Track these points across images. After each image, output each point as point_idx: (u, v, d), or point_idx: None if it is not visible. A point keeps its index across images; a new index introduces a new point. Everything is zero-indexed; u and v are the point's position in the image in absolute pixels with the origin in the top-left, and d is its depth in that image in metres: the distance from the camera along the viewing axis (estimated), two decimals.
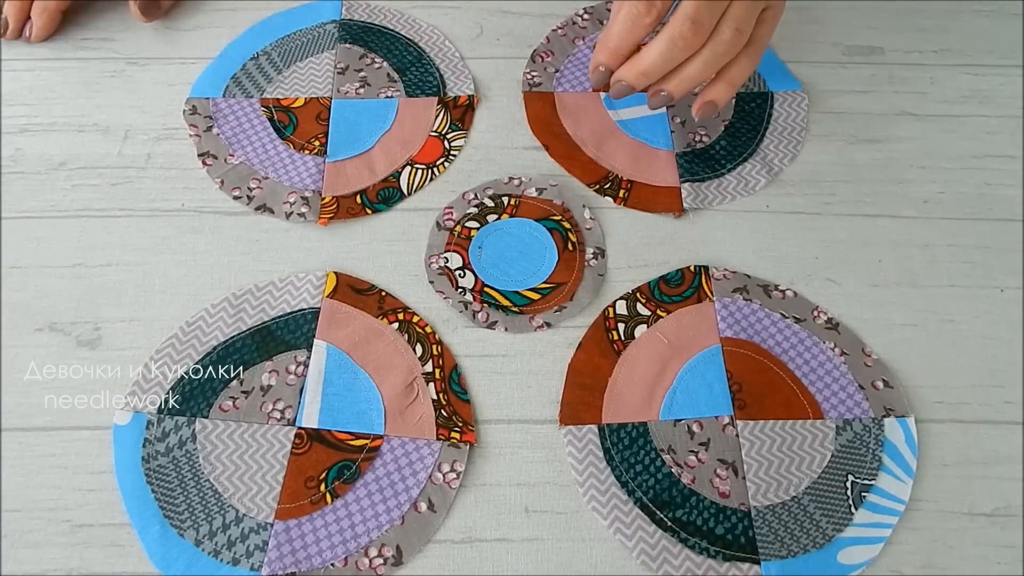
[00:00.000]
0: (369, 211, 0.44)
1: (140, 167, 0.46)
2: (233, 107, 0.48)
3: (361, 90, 0.49)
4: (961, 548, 0.36)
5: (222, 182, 0.45)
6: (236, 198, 0.44)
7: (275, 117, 0.47)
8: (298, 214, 0.44)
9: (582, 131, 0.48)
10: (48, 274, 0.42)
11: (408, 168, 0.46)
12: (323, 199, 0.44)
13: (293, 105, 0.48)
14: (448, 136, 0.48)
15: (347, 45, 0.51)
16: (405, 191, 0.45)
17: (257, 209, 0.44)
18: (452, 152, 0.47)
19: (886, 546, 0.35)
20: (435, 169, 0.46)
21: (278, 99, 0.48)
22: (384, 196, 0.45)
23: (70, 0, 0.51)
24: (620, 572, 0.35)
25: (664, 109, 0.49)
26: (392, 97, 0.49)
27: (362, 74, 0.50)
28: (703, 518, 0.36)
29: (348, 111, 0.48)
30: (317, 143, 0.46)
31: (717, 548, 0.35)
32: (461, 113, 0.49)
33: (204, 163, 0.45)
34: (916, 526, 0.36)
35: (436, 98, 0.49)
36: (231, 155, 0.46)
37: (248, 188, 0.45)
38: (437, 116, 0.48)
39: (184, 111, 0.47)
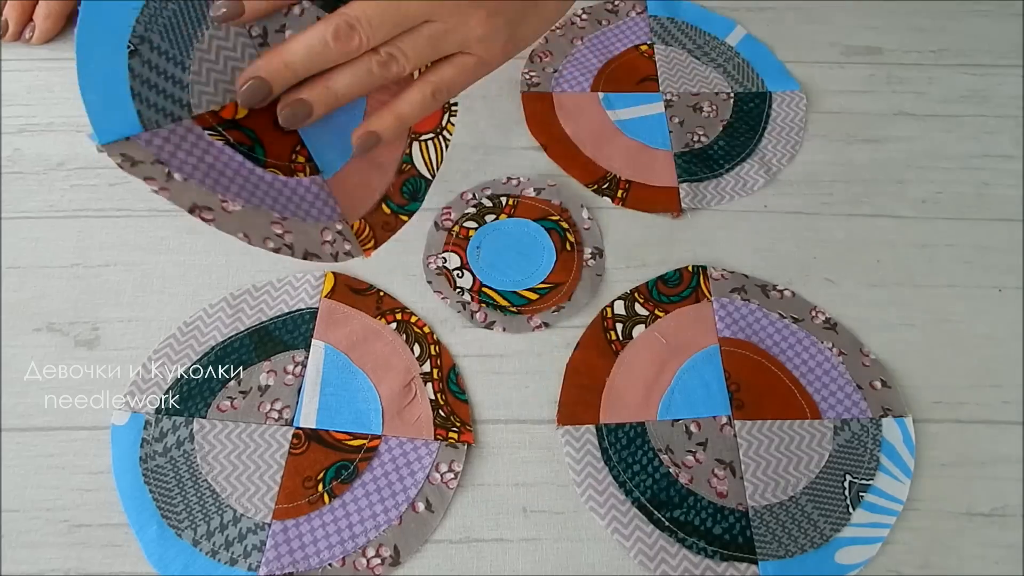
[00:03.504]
0: (405, 216, 0.37)
1: None
2: (173, 140, 0.32)
3: None
4: (959, 548, 0.36)
5: (247, 236, 0.32)
6: (276, 251, 0.33)
7: (231, 140, 0.33)
8: (344, 253, 0.35)
9: (580, 131, 0.48)
10: (46, 274, 0.42)
11: (416, 145, 0.38)
12: (353, 227, 0.36)
13: (238, 116, 0.33)
14: None
15: None
16: (428, 175, 0.38)
17: (305, 258, 0.33)
18: (452, 107, 0.39)
19: (884, 546, 0.35)
20: (443, 134, 0.39)
21: (214, 112, 0.33)
22: (411, 191, 0.38)
23: (74, 2, 0.51)
24: (618, 572, 0.35)
25: (663, 110, 0.49)
26: None
27: (288, 31, 0.33)
28: (701, 518, 0.36)
29: None
30: (301, 158, 0.35)
31: (715, 548, 0.35)
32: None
33: (203, 218, 0.31)
34: (914, 526, 0.36)
35: None
36: (224, 201, 0.32)
37: (277, 235, 0.33)
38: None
39: (119, 164, 0.30)
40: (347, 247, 0.35)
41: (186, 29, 0.33)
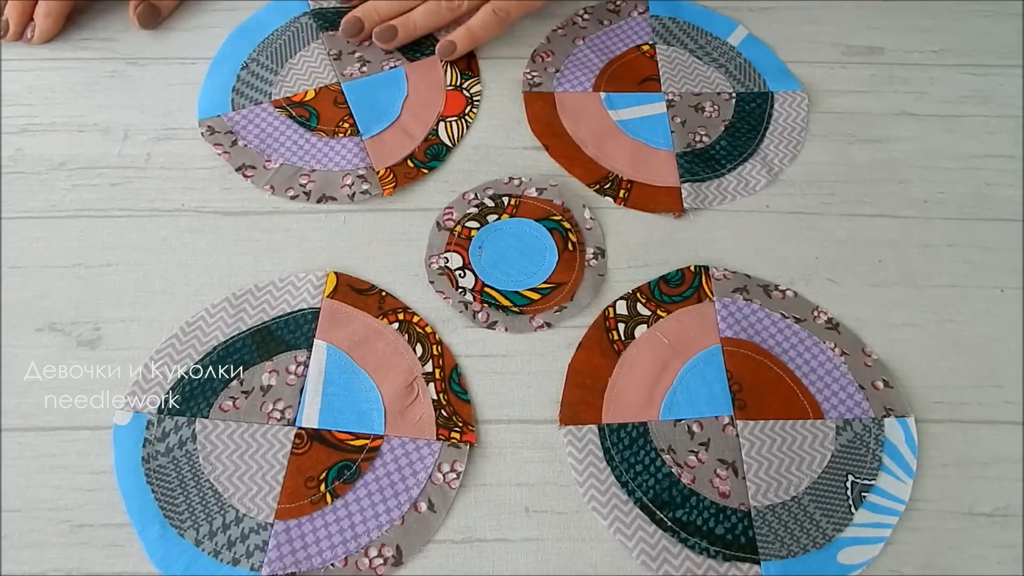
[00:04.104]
0: (425, 171, 0.46)
1: (140, 167, 0.46)
2: (249, 116, 0.47)
3: (364, 68, 0.50)
4: (961, 548, 0.36)
5: (272, 187, 0.45)
6: (293, 198, 0.44)
7: (294, 114, 0.48)
8: (361, 192, 0.44)
9: (582, 131, 0.48)
10: (48, 274, 0.42)
11: (442, 123, 0.48)
12: (378, 172, 0.45)
13: (306, 99, 0.48)
14: (464, 86, 0.49)
15: (330, 32, 0.52)
16: (450, 144, 0.47)
17: (319, 201, 0.44)
18: (474, 99, 0.49)
19: (886, 546, 0.35)
20: (466, 118, 0.48)
21: (288, 97, 0.48)
22: (433, 153, 0.47)
23: (74, 1, 0.51)
24: (620, 572, 0.35)
25: (664, 110, 0.49)
26: (396, 67, 0.50)
27: (357, 54, 0.51)
28: (703, 518, 0.36)
29: (361, 90, 0.49)
30: (346, 125, 0.47)
31: (717, 548, 0.35)
32: (466, 63, 0.50)
33: (244, 175, 0.45)
34: (916, 526, 0.36)
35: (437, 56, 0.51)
36: (268, 160, 0.46)
37: (301, 185, 0.45)
38: (445, 72, 0.50)
39: (202, 133, 0.47)
40: (365, 187, 0.45)
41: (285, 52, 0.51)
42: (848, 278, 0.43)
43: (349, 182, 0.45)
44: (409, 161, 0.46)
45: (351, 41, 0.50)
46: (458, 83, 0.49)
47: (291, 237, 0.44)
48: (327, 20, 0.52)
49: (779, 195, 0.46)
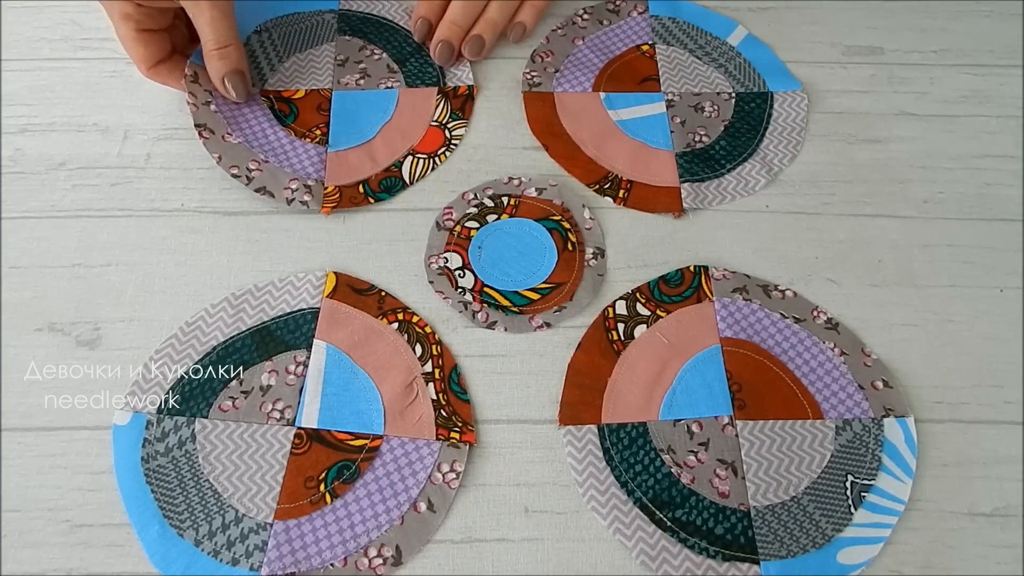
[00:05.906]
0: (372, 200, 0.45)
1: (140, 167, 0.46)
2: None
3: (361, 81, 0.49)
4: (961, 548, 0.36)
5: (220, 157, 0.44)
6: (235, 176, 0.44)
7: (275, 107, 0.47)
8: (300, 202, 0.44)
9: (582, 131, 0.48)
10: (48, 274, 0.42)
11: (410, 158, 0.46)
12: (326, 188, 0.44)
13: (294, 97, 0.48)
14: (449, 126, 0.48)
15: (346, 37, 0.51)
16: (407, 180, 0.46)
17: (257, 191, 0.44)
18: (453, 141, 0.47)
19: (886, 546, 0.35)
20: (436, 159, 0.46)
21: (279, 91, 0.48)
22: (387, 185, 0.45)
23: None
24: (620, 572, 0.35)
25: (664, 110, 0.49)
26: (392, 88, 0.49)
27: (362, 65, 0.50)
28: (703, 518, 0.36)
29: (349, 102, 0.48)
30: (318, 132, 0.46)
31: (717, 548, 0.35)
32: (461, 103, 0.49)
33: (201, 135, 0.44)
34: (916, 526, 0.36)
35: (436, 88, 0.49)
36: (229, 134, 0.45)
37: (247, 168, 0.44)
38: (437, 106, 0.48)
39: (186, 75, 0.46)
40: (306, 198, 0.44)
41: (297, 43, 0.50)
42: (848, 278, 0.43)
43: (293, 187, 0.44)
44: (361, 187, 0.45)
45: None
46: (444, 121, 0.48)
47: (291, 237, 0.44)
48: (349, 24, 0.52)
49: (779, 195, 0.46)
